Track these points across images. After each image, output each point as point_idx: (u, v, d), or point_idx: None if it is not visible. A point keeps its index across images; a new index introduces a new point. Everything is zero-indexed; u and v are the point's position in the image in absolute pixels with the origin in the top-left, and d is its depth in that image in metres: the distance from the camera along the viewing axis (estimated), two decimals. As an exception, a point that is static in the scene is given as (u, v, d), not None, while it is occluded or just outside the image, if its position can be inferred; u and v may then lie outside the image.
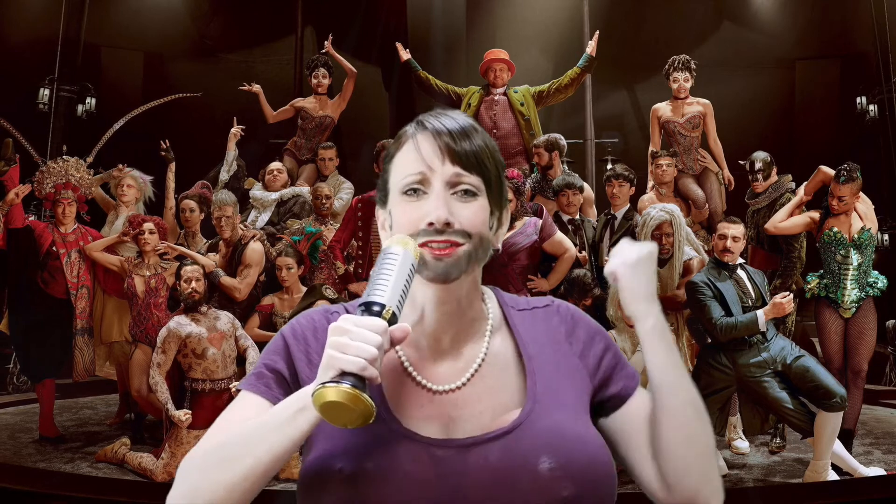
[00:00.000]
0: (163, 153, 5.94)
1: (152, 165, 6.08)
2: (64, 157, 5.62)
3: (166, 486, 4.02)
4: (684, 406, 1.05)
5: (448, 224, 1.01)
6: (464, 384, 1.04)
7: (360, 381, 0.88)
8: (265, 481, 0.96)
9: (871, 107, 8.28)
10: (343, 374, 0.88)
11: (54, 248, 5.24)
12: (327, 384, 0.87)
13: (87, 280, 5.32)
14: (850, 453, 4.32)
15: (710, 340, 4.33)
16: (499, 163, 1.08)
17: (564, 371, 1.07)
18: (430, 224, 1.01)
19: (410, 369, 1.05)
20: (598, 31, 6.26)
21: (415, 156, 1.04)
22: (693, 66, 5.98)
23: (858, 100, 8.38)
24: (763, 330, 4.14)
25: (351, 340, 0.89)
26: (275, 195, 6.15)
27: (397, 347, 1.05)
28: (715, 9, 9.21)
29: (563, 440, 0.98)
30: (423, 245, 1.01)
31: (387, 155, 1.11)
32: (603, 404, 1.10)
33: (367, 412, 0.88)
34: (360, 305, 0.94)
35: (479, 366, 1.05)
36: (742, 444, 4.78)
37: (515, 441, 0.98)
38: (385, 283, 0.94)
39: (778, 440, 4.80)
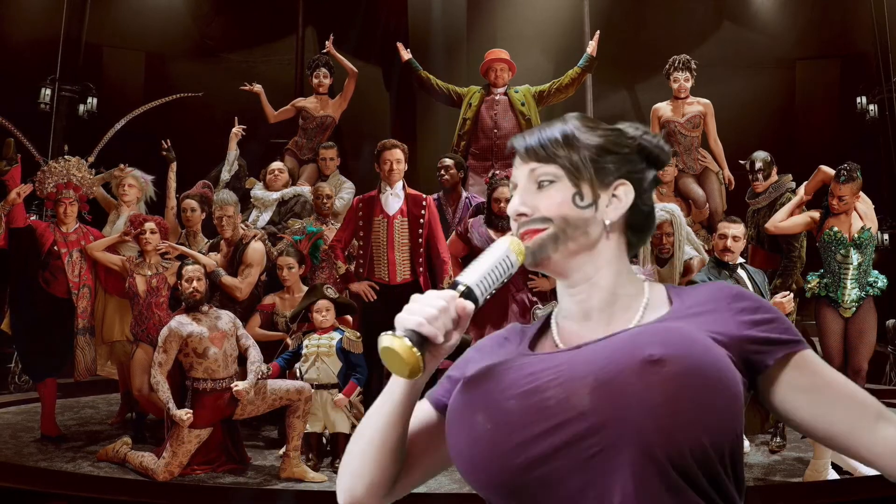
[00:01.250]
0: (164, 153, 5.95)
1: (153, 165, 6.08)
2: (65, 156, 5.62)
3: (168, 485, 4.01)
4: None
5: (522, 214, 1.11)
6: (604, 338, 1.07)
7: (418, 337, 0.98)
8: (387, 451, 1.10)
9: (871, 107, 8.28)
10: (406, 330, 0.99)
11: (56, 248, 5.24)
12: (387, 333, 0.98)
13: (89, 279, 5.32)
14: (851, 452, 4.32)
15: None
16: (592, 145, 1.13)
17: (711, 322, 1.07)
18: (513, 216, 1.13)
19: (556, 336, 1.14)
20: (598, 31, 6.27)
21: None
22: (693, 65, 5.99)
23: (858, 100, 8.38)
24: (763, 329, 4.14)
25: (419, 304, 1.00)
26: (276, 195, 6.15)
27: (554, 333, 1.15)
28: (715, 9, 9.21)
29: (670, 333, 1.01)
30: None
31: None
32: (766, 361, 1.08)
33: (414, 364, 0.97)
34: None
35: (626, 330, 1.07)
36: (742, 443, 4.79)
37: (617, 337, 1.04)
38: (474, 268, 1.05)
39: (778, 439, 4.81)
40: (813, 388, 1.07)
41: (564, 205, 1.10)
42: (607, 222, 1.12)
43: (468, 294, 1.03)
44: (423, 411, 1.17)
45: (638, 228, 1.16)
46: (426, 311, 0.99)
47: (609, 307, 1.11)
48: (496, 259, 1.06)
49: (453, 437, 1.06)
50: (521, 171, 1.15)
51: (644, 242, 1.21)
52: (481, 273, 1.05)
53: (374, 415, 1.11)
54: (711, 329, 1.05)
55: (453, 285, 1.03)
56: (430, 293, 1.02)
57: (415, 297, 1.02)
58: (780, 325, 1.09)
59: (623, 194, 1.13)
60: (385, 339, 0.98)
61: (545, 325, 1.19)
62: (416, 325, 0.99)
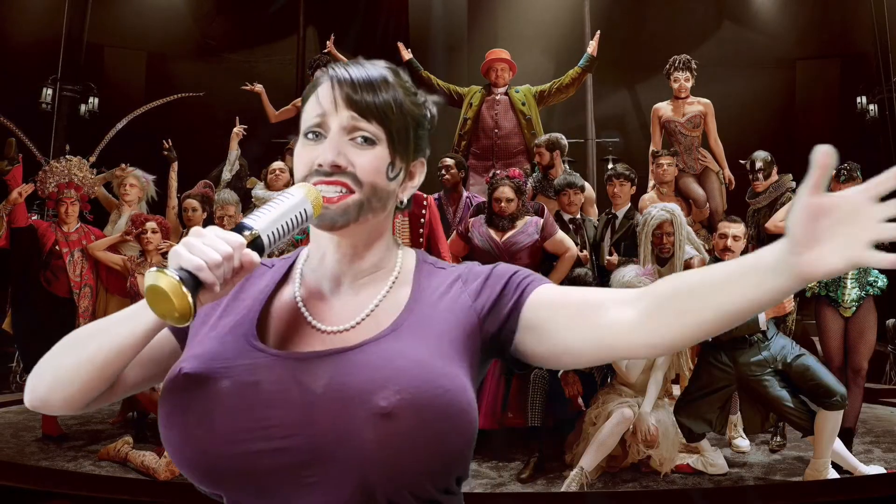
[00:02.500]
0: (165, 153, 5.95)
1: (155, 165, 6.09)
2: (67, 156, 5.63)
3: (169, 484, 4.02)
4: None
5: (337, 167, 1.01)
6: (353, 326, 1.03)
7: (193, 280, 0.87)
8: (104, 376, 1.01)
9: (872, 106, 8.30)
10: (181, 270, 0.87)
11: (57, 248, 5.25)
12: (160, 270, 0.86)
13: (90, 279, 5.33)
14: (851, 452, 4.33)
15: (710, 339, 4.35)
16: (413, 116, 1.08)
17: (447, 313, 1.05)
18: (320, 165, 1.02)
19: (303, 309, 1.06)
20: (598, 31, 6.28)
21: (316, 101, 1.05)
22: (694, 65, 5.99)
23: (858, 99, 8.40)
24: (763, 329, 4.16)
25: (201, 243, 0.89)
26: (277, 194, 6.16)
27: (296, 288, 1.08)
28: (716, 9, 9.23)
29: (401, 373, 0.95)
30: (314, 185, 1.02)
31: (302, 98, 1.12)
32: (507, 319, 1.05)
33: (185, 310, 0.86)
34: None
35: (372, 311, 1.04)
36: (742, 442, 4.79)
37: (352, 355, 0.98)
38: (265, 213, 0.95)
39: (778, 439, 4.80)
40: (561, 315, 1.02)
41: (379, 173, 1.04)
42: (403, 200, 1.10)
43: (256, 243, 0.93)
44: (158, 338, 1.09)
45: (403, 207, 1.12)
46: (209, 254, 0.88)
47: (364, 278, 1.08)
48: (291, 207, 0.97)
49: (165, 426, 0.99)
50: (339, 118, 1.03)
51: None
52: (272, 220, 0.95)
53: (105, 333, 1.01)
54: (446, 318, 1.03)
55: (239, 228, 0.92)
56: (214, 231, 0.90)
57: (196, 231, 0.91)
58: (512, 283, 1.06)
59: (419, 174, 1.12)
60: (152, 276, 0.86)
61: (288, 270, 1.13)
62: (194, 268, 0.87)
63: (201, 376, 0.98)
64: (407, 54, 6.47)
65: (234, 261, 0.90)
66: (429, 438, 0.92)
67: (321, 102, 1.04)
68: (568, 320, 1.01)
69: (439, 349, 1.00)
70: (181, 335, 1.10)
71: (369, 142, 1.03)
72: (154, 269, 0.86)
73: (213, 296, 0.90)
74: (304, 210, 0.98)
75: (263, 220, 0.94)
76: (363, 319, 1.04)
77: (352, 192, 1.02)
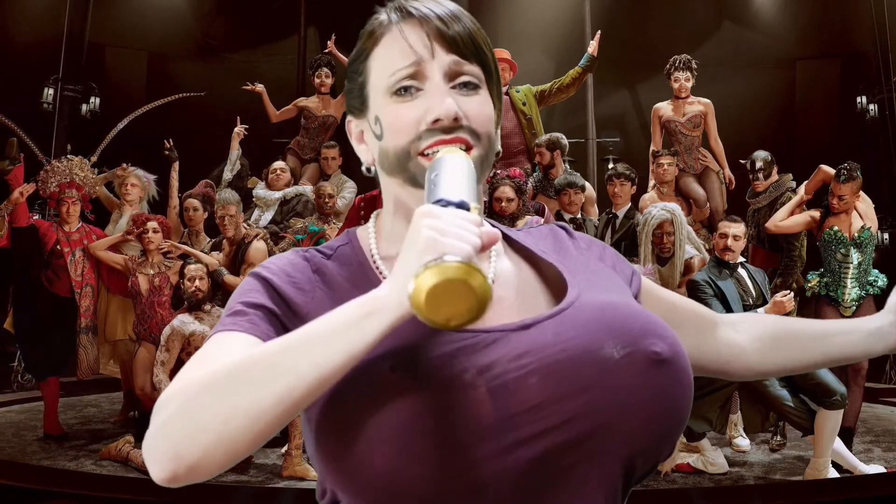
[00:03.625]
0: (166, 152, 5.96)
1: (156, 164, 6.10)
2: (68, 156, 5.64)
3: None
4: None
5: (457, 120, 0.83)
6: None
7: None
8: (298, 411, 0.72)
9: (872, 106, 8.30)
10: (464, 257, 0.68)
11: (58, 247, 5.26)
12: (434, 262, 0.67)
13: (92, 278, 5.34)
14: (851, 451, 4.33)
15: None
16: (492, 48, 0.90)
17: (595, 267, 0.94)
18: (436, 121, 0.83)
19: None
20: (599, 31, 6.28)
21: (402, 46, 0.85)
22: (694, 65, 6.00)
23: (858, 99, 8.40)
24: (764, 328, 4.16)
25: (452, 227, 0.68)
26: (278, 194, 6.17)
27: (375, 261, 0.90)
28: (716, 9, 9.23)
29: (617, 312, 0.82)
30: (427, 150, 0.84)
31: (357, 55, 0.91)
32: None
33: (485, 293, 0.67)
34: (434, 202, 0.73)
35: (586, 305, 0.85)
36: (743, 441, 4.80)
37: (574, 312, 0.82)
38: (457, 182, 0.75)
39: (778, 438, 4.81)
40: (664, 312, 0.94)
41: (491, 122, 0.87)
42: (499, 150, 0.91)
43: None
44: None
45: None
46: (469, 237, 0.68)
47: None
48: (469, 171, 0.78)
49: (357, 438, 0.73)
50: (438, 63, 0.85)
51: None
52: (470, 188, 0.75)
53: (315, 349, 0.71)
54: (600, 268, 0.95)
55: (460, 205, 0.72)
56: (449, 214, 0.70)
57: (429, 215, 0.69)
58: (622, 260, 1.01)
59: (500, 120, 0.93)
60: (443, 271, 0.66)
61: (354, 261, 0.89)
62: (465, 257, 0.67)
63: (407, 351, 0.77)
64: (408, 54, 6.46)
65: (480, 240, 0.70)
66: (688, 386, 0.82)
67: (414, 48, 0.85)
68: (680, 325, 0.96)
69: (628, 296, 0.91)
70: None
71: (472, 87, 0.86)
72: (419, 269, 0.67)
73: None
74: (473, 169, 0.79)
75: (464, 190, 0.74)
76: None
77: (471, 147, 0.84)
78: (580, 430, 0.75)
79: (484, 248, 0.70)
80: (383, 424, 0.73)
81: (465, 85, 0.86)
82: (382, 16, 0.88)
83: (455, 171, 0.77)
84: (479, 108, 0.86)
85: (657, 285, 1.05)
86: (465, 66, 0.85)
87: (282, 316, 0.84)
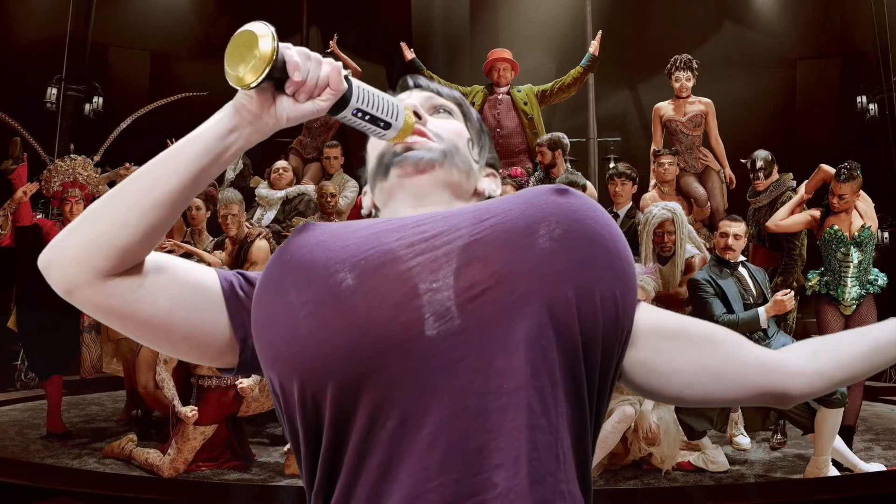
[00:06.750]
0: (169, 152, 5.97)
1: (158, 164, 6.10)
2: (71, 155, 5.65)
3: (173, 481, 4.03)
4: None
5: (421, 117, 1.00)
6: None
7: (280, 57, 0.83)
8: (168, 210, 0.88)
9: (872, 106, 8.31)
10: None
11: (62, 246, 5.27)
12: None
13: (95, 277, 5.35)
14: (851, 449, 4.35)
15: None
16: (468, 108, 1.11)
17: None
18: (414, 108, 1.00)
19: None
20: (600, 31, 6.29)
21: None
22: (695, 65, 6.01)
23: (859, 99, 8.41)
24: (764, 327, 4.18)
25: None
26: (280, 193, 6.18)
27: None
28: (716, 9, 9.24)
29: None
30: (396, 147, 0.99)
31: None
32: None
33: (267, 54, 0.81)
34: None
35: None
36: (743, 440, 4.81)
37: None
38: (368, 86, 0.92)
39: (779, 436, 4.83)
40: (674, 338, 0.95)
41: (461, 136, 1.03)
42: (484, 191, 1.05)
43: (347, 82, 0.88)
44: (204, 273, 0.95)
45: None
46: (304, 50, 0.85)
47: None
48: (390, 98, 0.93)
49: (281, 306, 0.86)
50: (418, 95, 1.06)
51: None
52: (371, 89, 0.91)
53: (188, 146, 0.90)
54: None
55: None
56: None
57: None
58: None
59: (497, 186, 1.08)
60: (245, 28, 0.83)
61: None
62: (283, 46, 0.83)
63: (323, 236, 0.93)
64: (410, 54, 6.49)
65: (323, 69, 0.86)
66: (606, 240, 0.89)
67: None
68: (694, 350, 0.97)
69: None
70: (233, 302, 0.95)
71: (445, 111, 1.06)
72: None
73: (293, 88, 0.85)
74: (398, 109, 0.93)
75: (362, 83, 0.91)
76: None
77: (430, 139, 1.01)
78: (495, 269, 0.82)
79: (328, 86, 0.86)
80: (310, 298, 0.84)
81: (440, 109, 1.06)
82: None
83: (381, 93, 0.92)
84: (446, 124, 1.03)
85: (655, 309, 1.00)
86: (436, 98, 1.07)
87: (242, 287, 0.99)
